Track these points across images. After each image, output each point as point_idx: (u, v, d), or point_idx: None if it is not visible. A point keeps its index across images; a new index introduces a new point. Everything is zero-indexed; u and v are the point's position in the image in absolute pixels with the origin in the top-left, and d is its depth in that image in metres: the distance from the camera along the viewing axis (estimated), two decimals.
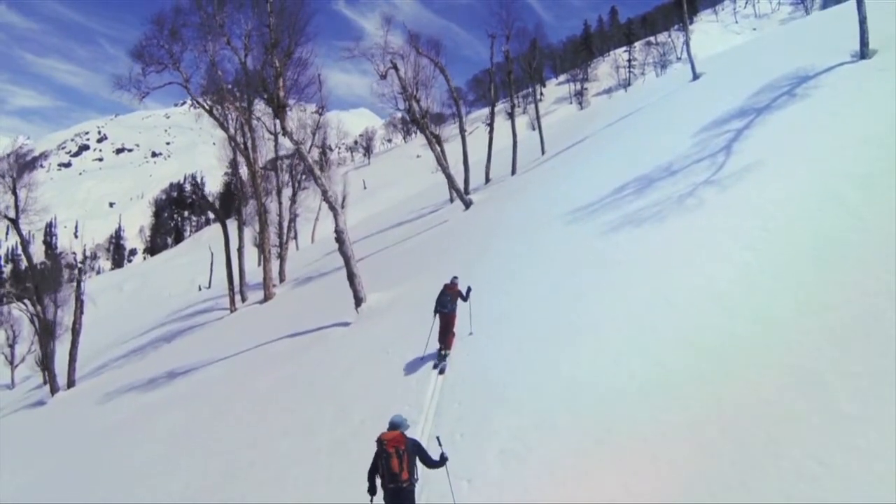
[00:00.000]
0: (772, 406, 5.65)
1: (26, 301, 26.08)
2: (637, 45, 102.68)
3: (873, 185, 8.62)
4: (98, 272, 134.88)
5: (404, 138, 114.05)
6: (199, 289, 58.76)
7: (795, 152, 11.07)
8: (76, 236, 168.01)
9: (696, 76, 25.62)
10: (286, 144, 33.70)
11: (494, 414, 7.24)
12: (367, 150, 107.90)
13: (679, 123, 16.95)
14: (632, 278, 8.85)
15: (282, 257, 29.24)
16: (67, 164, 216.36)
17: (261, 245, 24.11)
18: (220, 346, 17.95)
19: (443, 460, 5.59)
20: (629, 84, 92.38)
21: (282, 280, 28.42)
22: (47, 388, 24.58)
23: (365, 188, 77.30)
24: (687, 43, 27.59)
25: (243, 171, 28.01)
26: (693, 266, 8.44)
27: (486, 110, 39.15)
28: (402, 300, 13.14)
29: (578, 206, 13.64)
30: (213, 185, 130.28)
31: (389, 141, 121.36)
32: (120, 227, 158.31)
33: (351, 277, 13.59)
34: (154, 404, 14.53)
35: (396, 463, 5.29)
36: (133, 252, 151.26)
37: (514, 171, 29.15)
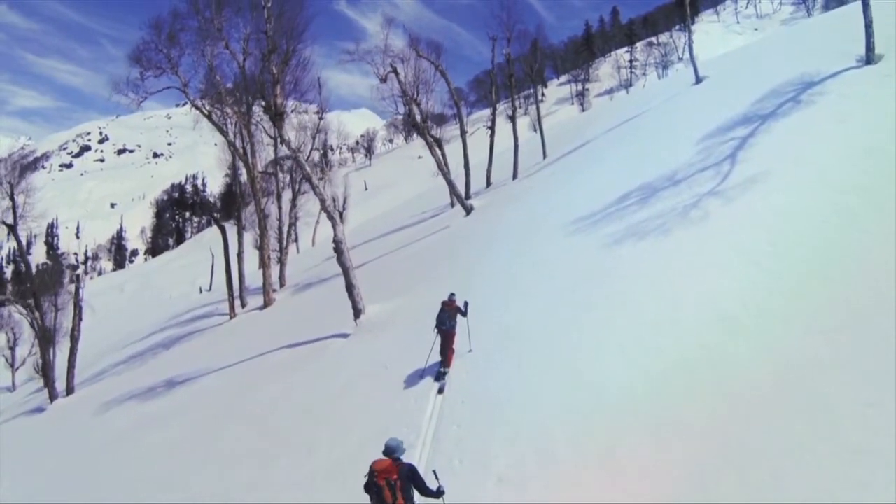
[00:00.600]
0: (778, 436, 5.45)
1: (27, 304, 25.92)
2: (638, 45, 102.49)
3: (882, 199, 8.40)
4: (99, 273, 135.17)
5: (405, 139, 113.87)
6: (200, 291, 58.74)
7: (801, 162, 10.84)
8: (77, 237, 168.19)
9: (698, 79, 25.36)
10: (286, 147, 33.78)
11: (494, 438, 7.05)
12: (369, 151, 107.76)
13: (682, 130, 16.71)
14: (635, 295, 8.63)
15: (282, 262, 29.07)
16: (69, 165, 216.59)
17: (261, 251, 23.92)
18: (219, 355, 17.77)
19: (439, 493, 5.39)
20: (631, 84, 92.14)
21: (282, 285, 28.26)
22: (47, 393, 24.46)
23: (366, 189, 77.22)
24: (690, 46, 27.31)
25: (243, 175, 27.85)
26: (699, 283, 8.22)
27: (487, 111, 38.93)
28: (402, 312, 12.95)
29: (580, 215, 13.43)
30: (215, 186, 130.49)
31: (391, 141, 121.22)
32: (121, 228, 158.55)
33: (349, 288, 13.40)
34: (152, 417, 14.36)
35: (389, 495, 5.08)
36: (134, 253, 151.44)
37: (515, 175, 28.94)
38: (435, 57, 27.38)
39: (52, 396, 23.50)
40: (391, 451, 5.37)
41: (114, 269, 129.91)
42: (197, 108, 23.31)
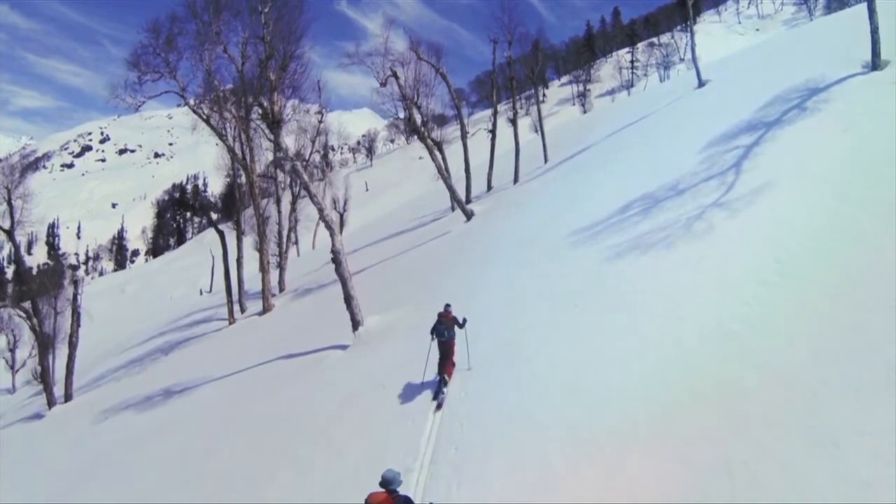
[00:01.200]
0: (785, 471, 5.26)
1: (25, 310, 25.75)
2: (640, 46, 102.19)
3: (888, 213, 8.20)
4: (100, 273, 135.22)
5: (407, 140, 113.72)
6: (201, 293, 58.66)
7: (807, 173, 10.65)
8: (78, 237, 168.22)
9: (701, 83, 25.16)
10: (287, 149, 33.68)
11: (493, 464, 6.86)
12: (370, 152, 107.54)
13: (685, 137, 16.53)
14: (638, 314, 8.43)
15: (281, 266, 28.90)
16: (70, 165, 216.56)
17: (260, 257, 23.73)
18: (217, 364, 17.61)
19: None
20: (632, 85, 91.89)
21: (281, 290, 28.09)
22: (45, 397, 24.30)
23: (367, 190, 77.02)
24: (692, 49, 27.07)
25: (242, 177, 27.66)
26: (703, 303, 8.03)
27: (489, 111, 38.78)
28: (400, 324, 12.75)
29: (582, 225, 13.23)
30: (216, 186, 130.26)
31: (392, 141, 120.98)
32: (122, 228, 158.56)
33: (348, 300, 13.20)
34: (147, 429, 14.19)
35: None
36: (136, 253, 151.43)
37: (516, 180, 28.72)
38: (435, 60, 27.21)
39: (51, 402, 23.36)
40: (388, 482, 5.21)
41: (115, 270, 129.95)
42: (195, 112, 23.14)
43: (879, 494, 4.67)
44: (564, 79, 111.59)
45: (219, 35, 22.03)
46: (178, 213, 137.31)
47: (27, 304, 25.31)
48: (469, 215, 22.75)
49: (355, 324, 13.19)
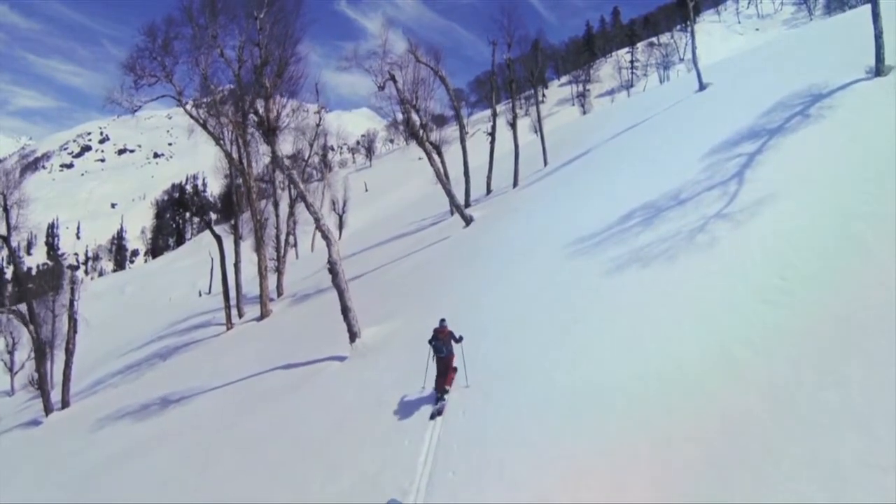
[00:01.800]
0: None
1: (22, 317, 25.53)
2: (639, 45, 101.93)
3: (894, 228, 8.00)
4: (100, 273, 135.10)
5: (406, 141, 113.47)
6: (200, 294, 58.48)
7: (812, 184, 10.46)
8: (78, 237, 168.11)
9: (702, 87, 24.99)
10: (284, 150, 33.41)
11: (491, 490, 6.68)
12: (369, 152, 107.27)
13: (687, 143, 16.32)
14: (639, 333, 8.24)
15: (280, 271, 28.72)
16: (69, 165, 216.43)
17: (259, 263, 23.52)
18: (213, 373, 17.46)
19: None
20: (632, 85, 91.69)
21: (280, 294, 27.93)
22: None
23: (366, 191, 76.78)
24: (693, 51, 26.89)
25: (239, 180, 27.45)
26: (706, 322, 7.84)
27: (488, 111, 38.71)
28: (398, 337, 12.57)
29: (582, 235, 13.03)
30: (215, 186, 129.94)
31: (392, 141, 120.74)
32: (122, 229, 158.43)
33: (345, 311, 13.01)
34: (143, 440, 14.02)
35: None
36: (135, 253, 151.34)
37: (515, 184, 28.54)
38: (434, 63, 27.03)
39: (48, 409, 23.18)
40: None
41: (114, 270, 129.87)
42: (192, 117, 22.95)
43: None
44: (564, 79, 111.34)
45: (215, 39, 21.85)
46: (178, 214, 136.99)
47: (25, 310, 25.10)
48: (468, 220, 22.56)
49: (352, 335, 13.01)
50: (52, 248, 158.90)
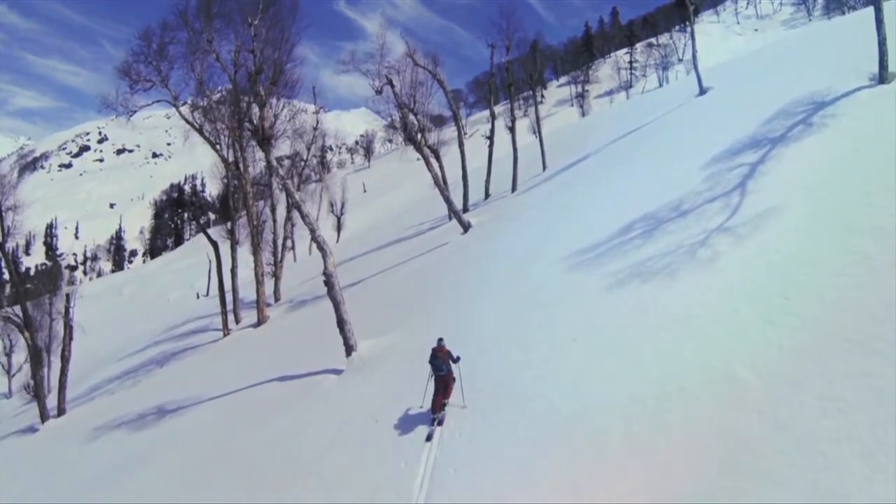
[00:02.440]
0: None
1: (18, 324, 25.30)
2: (638, 46, 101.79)
3: None
4: (98, 274, 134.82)
5: (405, 141, 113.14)
6: (198, 296, 58.23)
7: (815, 196, 10.28)
8: (77, 237, 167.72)
9: (702, 91, 24.80)
10: (282, 150, 33.18)
11: None
12: (367, 153, 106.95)
13: (688, 151, 16.13)
14: (640, 352, 8.07)
15: (277, 276, 28.52)
16: (68, 165, 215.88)
17: (255, 268, 23.33)
18: (210, 381, 17.29)
19: None
20: (631, 86, 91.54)
21: (277, 299, 27.72)
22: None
23: (365, 192, 76.52)
24: (694, 55, 26.67)
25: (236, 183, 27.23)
26: (708, 342, 7.67)
27: (487, 112, 38.48)
28: (394, 351, 12.37)
29: (581, 247, 12.84)
30: (214, 187, 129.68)
31: (390, 142, 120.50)
32: (120, 229, 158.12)
33: (341, 324, 12.82)
34: (140, 452, 13.84)
35: None
36: (133, 253, 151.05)
37: (514, 188, 28.36)
38: (432, 66, 26.85)
39: (44, 416, 22.99)
40: None
41: (113, 270, 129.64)
42: (188, 122, 22.76)
43: None
44: (563, 79, 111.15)
45: (211, 43, 21.65)
46: (176, 214, 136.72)
47: (21, 317, 24.89)
48: (466, 227, 22.36)
49: (348, 349, 12.81)
50: (50, 248, 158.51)
